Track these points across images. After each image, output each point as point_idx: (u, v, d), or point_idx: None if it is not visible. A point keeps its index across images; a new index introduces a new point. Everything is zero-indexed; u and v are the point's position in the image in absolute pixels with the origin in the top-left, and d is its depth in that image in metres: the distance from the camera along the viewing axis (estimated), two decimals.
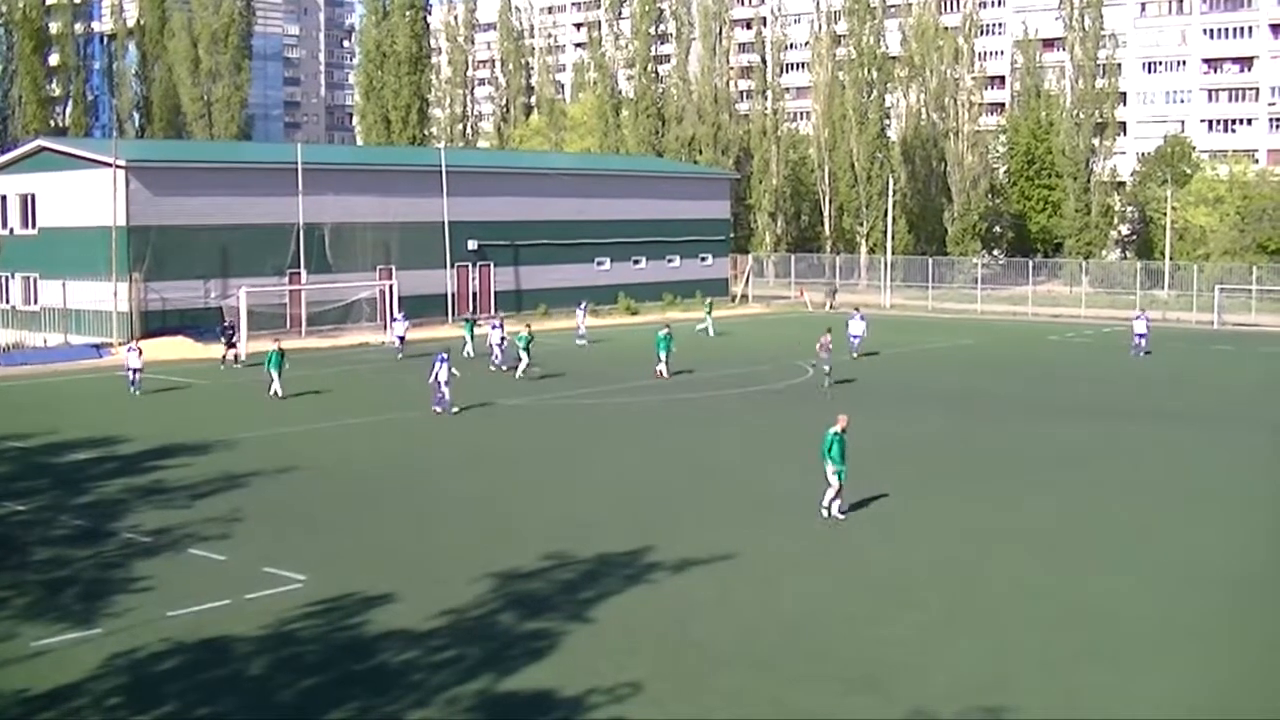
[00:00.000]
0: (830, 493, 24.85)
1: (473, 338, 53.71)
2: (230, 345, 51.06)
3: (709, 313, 63.93)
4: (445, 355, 38.61)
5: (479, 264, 70.93)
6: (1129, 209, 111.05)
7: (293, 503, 26.92)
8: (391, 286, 62.05)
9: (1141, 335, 54.28)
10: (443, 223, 68.24)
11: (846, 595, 20.35)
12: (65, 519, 25.41)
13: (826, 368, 44.49)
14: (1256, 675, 17.09)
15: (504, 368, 48.62)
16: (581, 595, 20.05)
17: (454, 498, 27.56)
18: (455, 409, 37.85)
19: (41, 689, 16.10)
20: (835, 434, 24.74)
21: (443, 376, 37.55)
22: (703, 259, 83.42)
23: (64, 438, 34.48)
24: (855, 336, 53.16)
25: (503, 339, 50.16)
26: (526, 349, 45.95)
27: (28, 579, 21.10)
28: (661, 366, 46.39)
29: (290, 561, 21.85)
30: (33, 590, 20.46)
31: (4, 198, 63.15)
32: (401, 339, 54.57)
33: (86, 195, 58.44)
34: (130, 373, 42.59)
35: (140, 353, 43.67)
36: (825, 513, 24.89)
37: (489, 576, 20.96)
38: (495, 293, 71.67)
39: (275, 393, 41.25)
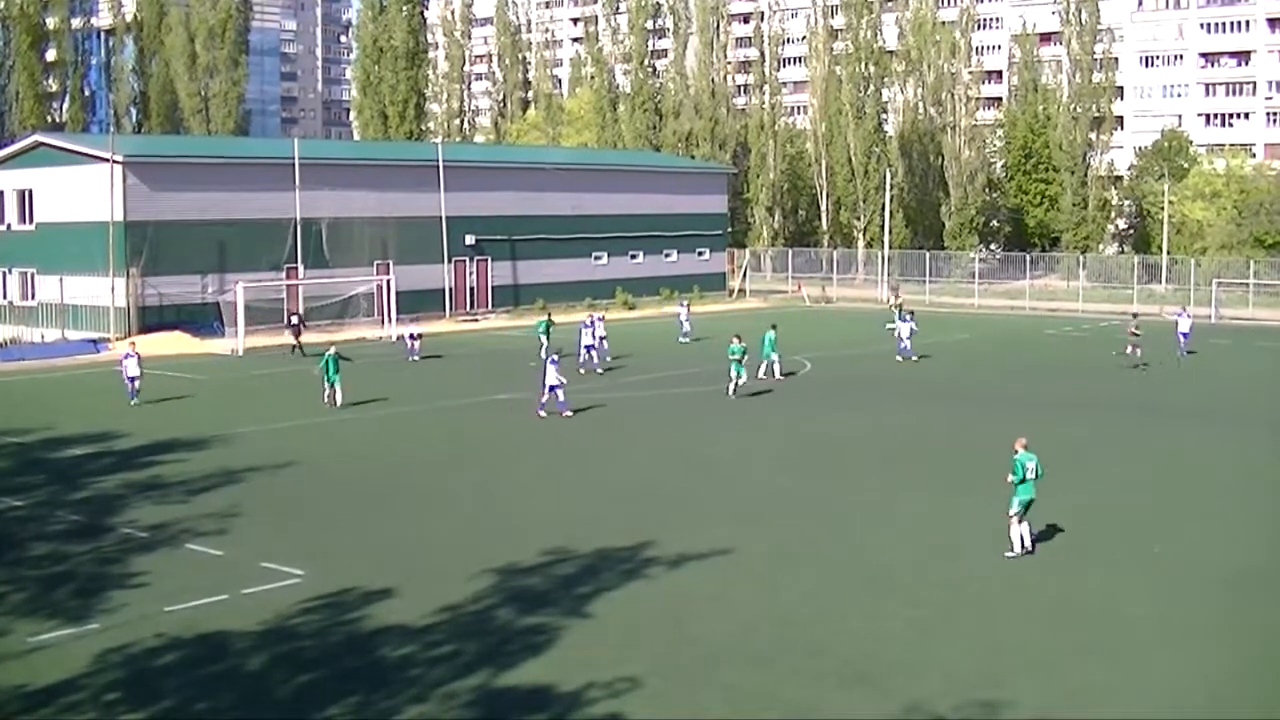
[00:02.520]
0: (1018, 527, 22.13)
1: (549, 339, 48.52)
2: (297, 335, 53.29)
3: (898, 312, 61.05)
4: (556, 357, 37.73)
5: (476, 259, 70.88)
6: (1126, 203, 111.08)
7: (290, 498, 26.94)
8: (389, 282, 61.99)
9: (1185, 334, 52.33)
10: (440, 218, 68.21)
11: (843, 591, 20.38)
12: (62, 514, 25.43)
13: (1139, 351, 48.05)
14: (1253, 672, 17.13)
15: (598, 370, 46.34)
16: (579, 591, 20.08)
17: (453, 493, 27.57)
18: (544, 413, 36.44)
19: (39, 684, 16.12)
20: (1024, 459, 22.17)
21: (551, 379, 36.35)
22: (700, 254, 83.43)
23: (61, 433, 34.49)
24: (906, 338, 50.20)
25: (598, 339, 47.43)
26: (741, 359, 40.36)
27: (24, 575, 21.12)
28: (775, 367, 44.02)
29: (288, 556, 21.87)
30: (29, 586, 20.47)
31: (1, 193, 63.08)
32: (414, 339, 51.81)
33: (84, 190, 58.41)
34: (129, 381, 39.27)
35: (139, 359, 39.90)
36: (1021, 547, 22.09)
37: (487, 572, 20.98)
38: (492, 288, 71.67)
39: (334, 400, 38.27)
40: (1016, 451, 22.36)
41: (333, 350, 39.47)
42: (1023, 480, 22.05)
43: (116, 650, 17.35)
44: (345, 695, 15.88)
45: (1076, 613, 19.21)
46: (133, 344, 42.19)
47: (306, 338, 53.24)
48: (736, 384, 40.11)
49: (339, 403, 38.05)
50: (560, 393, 36.42)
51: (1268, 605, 19.81)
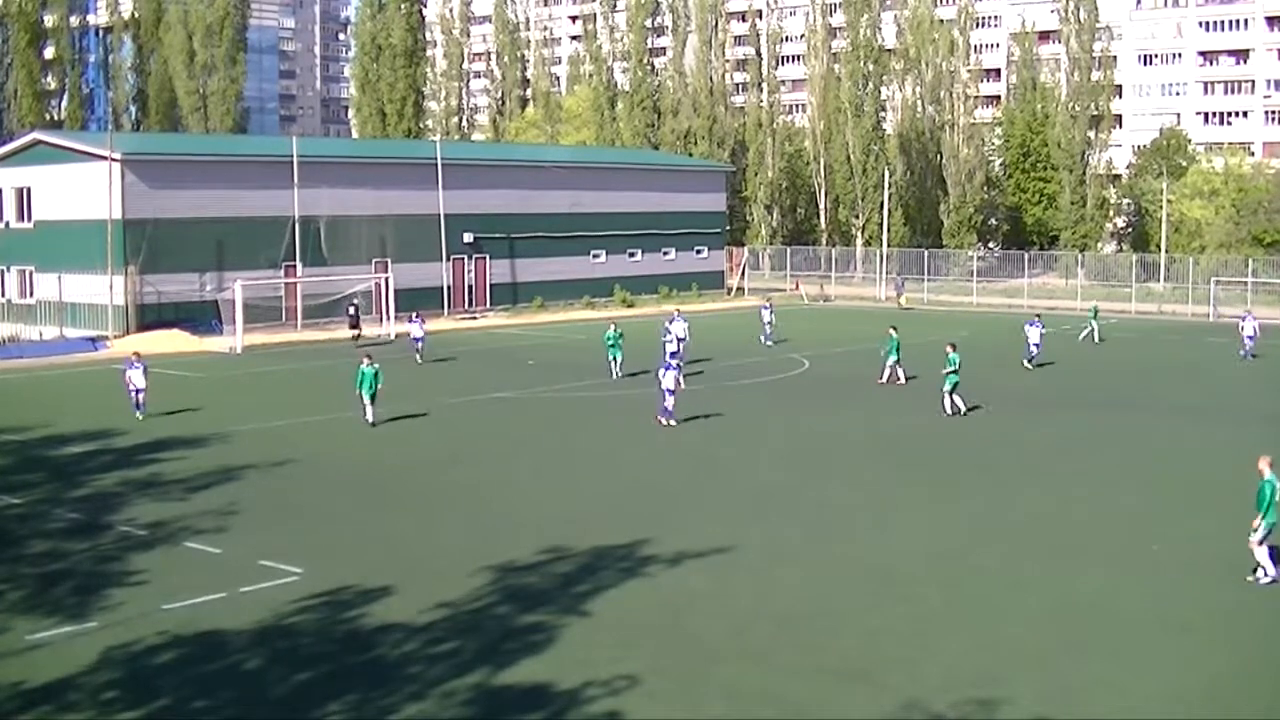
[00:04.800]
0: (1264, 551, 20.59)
1: (619, 355, 43.90)
2: (355, 325, 55.81)
3: (1094, 317, 58.89)
4: (675, 363, 35.50)
5: (474, 257, 70.87)
6: (1124, 202, 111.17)
7: (289, 496, 26.93)
8: (387, 279, 61.97)
9: (1251, 337, 51.38)
10: (438, 215, 68.20)
11: (841, 587, 20.38)
12: (61, 512, 25.42)
13: None
14: (1251, 669, 17.14)
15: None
16: (578, 589, 20.08)
17: (451, 490, 27.56)
18: (672, 421, 34.48)
19: (37, 682, 16.11)
20: (1273, 481, 20.64)
21: (668, 384, 34.52)
22: (698, 252, 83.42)
23: (60, 431, 34.46)
24: (1035, 345, 47.92)
25: (678, 341, 44.57)
26: (956, 369, 36.65)
27: (23, 572, 21.11)
28: (897, 371, 42.64)
29: (286, 554, 21.87)
30: (28, 584, 20.47)
31: (0, 191, 63.11)
32: (421, 340, 49.78)
33: (82, 188, 58.38)
34: (134, 394, 36.43)
35: (145, 369, 36.82)
36: (1265, 575, 20.42)
37: (485, 570, 20.99)
38: (491, 286, 71.66)
39: (368, 420, 34.80)
40: (1263, 474, 20.80)
41: (367, 363, 35.42)
42: (1270, 505, 20.39)
43: (115, 648, 17.35)
44: (343, 693, 15.88)
45: (1075, 610, 19.22)
46: (136, 353, 38.28)
47: (302, 334, 53.33)
48: (954, 403, 36.53)
49: (370, 419, 34.79)
50: (671, 401, 34.64)
51: (1266, 602, 19.82)
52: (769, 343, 54.84)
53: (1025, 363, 47.98)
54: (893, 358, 42.87)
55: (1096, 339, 57.23)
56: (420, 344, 49.80)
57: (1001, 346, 53.66)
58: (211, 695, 15.86)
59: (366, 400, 34.94)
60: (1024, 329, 49.31)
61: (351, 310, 57.13)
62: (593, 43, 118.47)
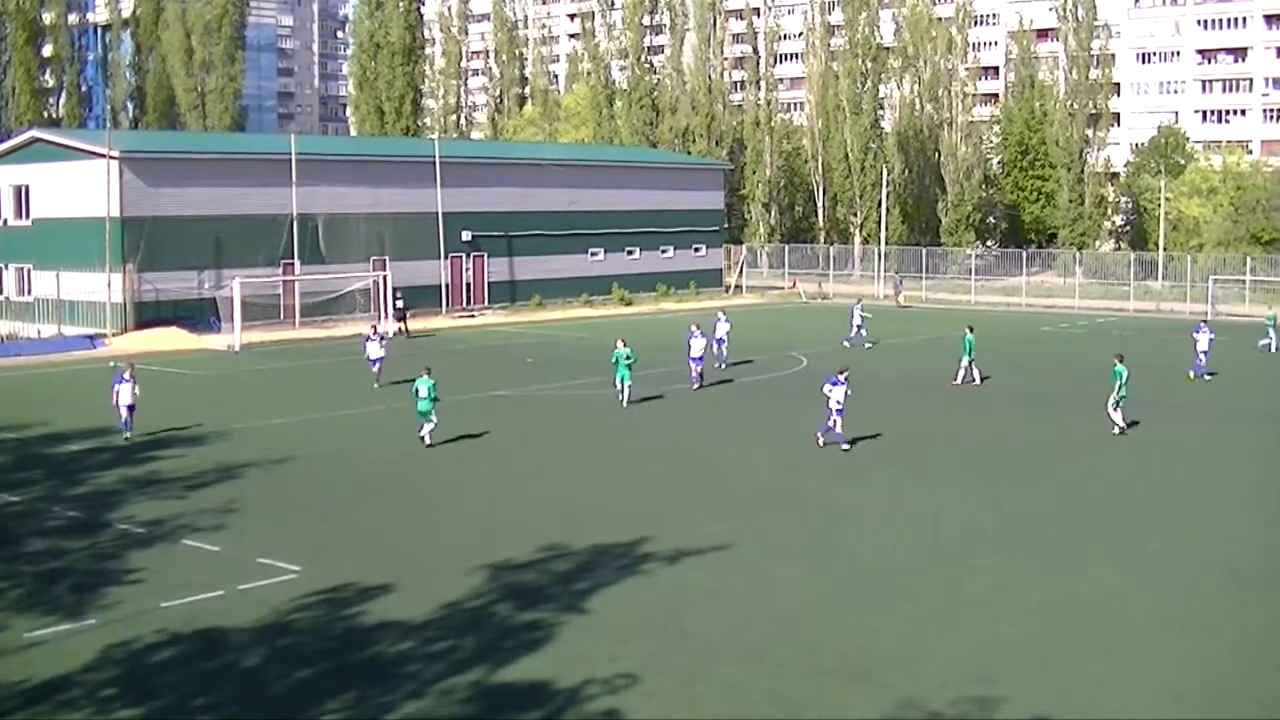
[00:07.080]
0: None
1: (628, 378, 38.07)
2: (401, 319, 58.16)
3: (1273, 325, 54.20)
4: (841, 377, 31.57)
5: (473, 255, 70.84)
6: (1123, 200, 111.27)
7: (287, 493, 26.93)
8: (385, 277, 61.98)
9: None
10: (436, 214, 68.17)
11: (840, 586, 20.39)
12: (59, 510, 25.40)
13: None
14: (1249, 667, 17.14)
15: (702, 378, 41.53)
16: (576, 586, 20.09)
17: (450, 488, 27.57)
18: (847, 445, 31.30)
19: (37, 680, 16.11)
20: None
21: (838, 400, 31.24)
22: (696, 250, 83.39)
23: (59, 429, 34.47)
24: (1204, 352, 44.48)
25: (716, 341, 43.44)
26: (1124, 384, 33.62)
27: (22, 570, 21.10)
28: (966, 372, 42.09)
29: (284, 552, 21.87)
30: (27, 581, 20.47)
31: None
32: (379, 360, 41.58)
33: (80, 186, 58.32)
34: (123, 410, 32.73)
35: (135, 381, 32.88)
36: None
37: (484, 568, 20.99)
38: (489, 284, 71.65)
39: (423, 437, 31.87)
40: None
41: (425, 373, 32.19)
42: None
43: (113, 646, 17.35)
44: (342, 691, 15.88)
45: (1073, 608, 19.23)
46: (131, 365, 34.68)
47: (300, 332, 53.25)
48: (1120, 417, 33.51)
49: (422, 434, 31.99)
50: (839, 420, 31.37)
51: (1265, 601, 19.84)
52: (866, 345, 52.80)
53: (1199, 375, 44.37)
54: (967, 358, 42.34)
55: (1275, 349, 53.26)
56: (378, 366, 41.37)
57: (998, 345, 53.55)
58: (210, 693, 15.86)
59: (420, 417, 31.99)
60: (1192, 335, 45.58)
61: (399, 305, 58.85)
62: (591, 41, 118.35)
